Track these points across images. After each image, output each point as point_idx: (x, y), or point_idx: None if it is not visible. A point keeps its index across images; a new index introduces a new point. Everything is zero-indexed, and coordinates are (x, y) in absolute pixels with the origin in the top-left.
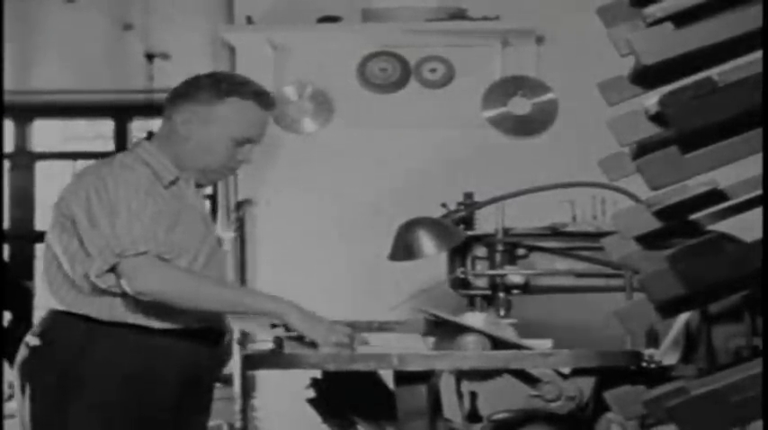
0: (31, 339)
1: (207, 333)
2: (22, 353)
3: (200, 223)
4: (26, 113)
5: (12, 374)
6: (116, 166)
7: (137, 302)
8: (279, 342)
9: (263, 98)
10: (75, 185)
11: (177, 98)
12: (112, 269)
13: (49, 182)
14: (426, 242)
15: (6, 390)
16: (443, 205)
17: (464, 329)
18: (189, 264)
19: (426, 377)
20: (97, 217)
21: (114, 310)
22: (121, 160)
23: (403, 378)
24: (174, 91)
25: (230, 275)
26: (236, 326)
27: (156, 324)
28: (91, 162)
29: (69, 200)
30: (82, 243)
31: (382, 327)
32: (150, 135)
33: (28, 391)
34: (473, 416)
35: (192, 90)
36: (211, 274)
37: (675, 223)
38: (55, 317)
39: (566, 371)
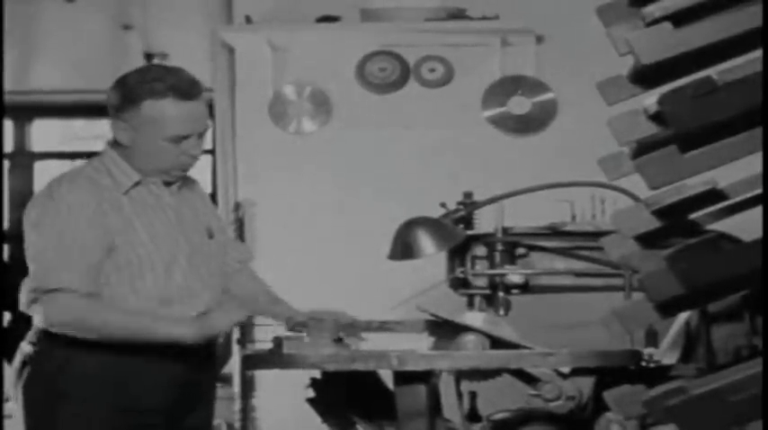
0: (25, 347)
1: None
2: (16, 359)
3: (172, 224)
4: (25, 113)
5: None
6: (64, 188)
7: None
8: (278, 342)
9: (181, 90)
10: (30, 205)
11: (108, 109)
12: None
13: None
14: (426, 241)
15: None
16: (443, 205)
17: (463, 329)
18: (167, 271)
19: (426, 377)
20: (29, 249)
21: None
22: (81, 172)
23: (402, 378)
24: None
25: None
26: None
27: None
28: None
29: (24, 219)
30: None
31: (382, 327)
32: (115, 141)
33: (20, 399)
34: (472, 416)
35: (112, 100)
36: (200, 273)
37: (674, 222)
38: (44, 328)
39: (565, 370)
